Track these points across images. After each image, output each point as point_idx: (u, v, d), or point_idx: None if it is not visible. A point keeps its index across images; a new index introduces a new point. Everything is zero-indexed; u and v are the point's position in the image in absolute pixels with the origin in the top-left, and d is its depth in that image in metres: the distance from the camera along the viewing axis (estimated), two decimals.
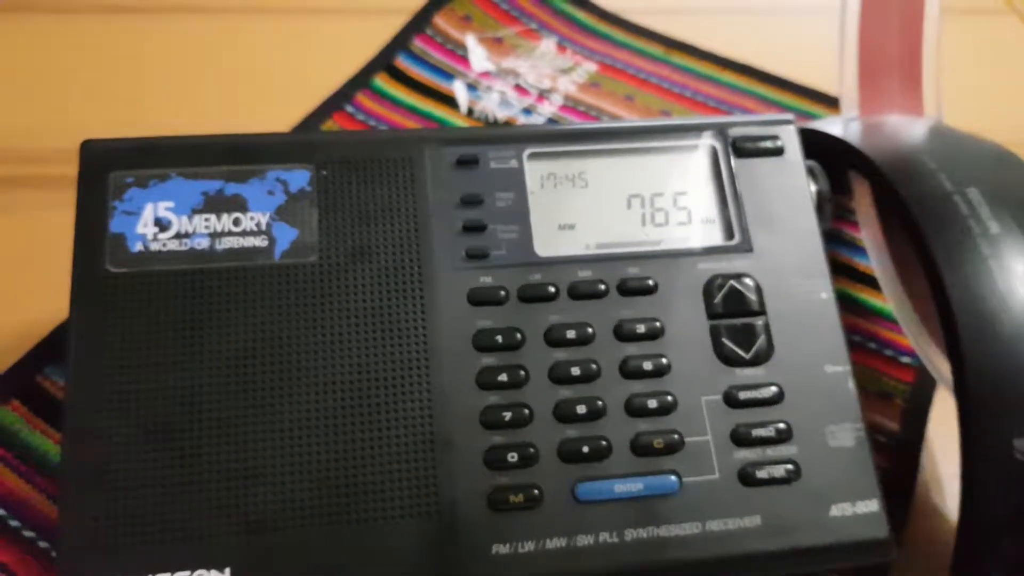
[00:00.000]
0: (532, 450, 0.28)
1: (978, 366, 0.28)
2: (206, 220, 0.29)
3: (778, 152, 0.33)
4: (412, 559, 0.27)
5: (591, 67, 0.49)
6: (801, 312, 0.31)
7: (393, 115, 0.45)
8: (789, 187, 0.33)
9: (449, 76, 0.47)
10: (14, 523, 0.31)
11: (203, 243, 0.29)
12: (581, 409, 0.29)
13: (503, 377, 0.29)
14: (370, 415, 0.28)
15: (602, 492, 0.28)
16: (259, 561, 0.26)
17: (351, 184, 0.31)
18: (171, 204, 0.29)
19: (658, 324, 0.30)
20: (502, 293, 0.30)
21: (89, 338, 0.28)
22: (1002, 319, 0.28)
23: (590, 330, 0.30)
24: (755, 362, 0.30)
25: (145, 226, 0.29)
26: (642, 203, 0.32)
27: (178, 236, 0.29)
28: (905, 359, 0.38)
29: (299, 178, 0.30)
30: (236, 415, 0.27)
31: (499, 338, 0.29)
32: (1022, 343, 0.28)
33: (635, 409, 0.29)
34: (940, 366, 0.34)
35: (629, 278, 0.31)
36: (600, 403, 0.29)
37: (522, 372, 0.29)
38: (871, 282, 0.40)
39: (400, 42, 0.49)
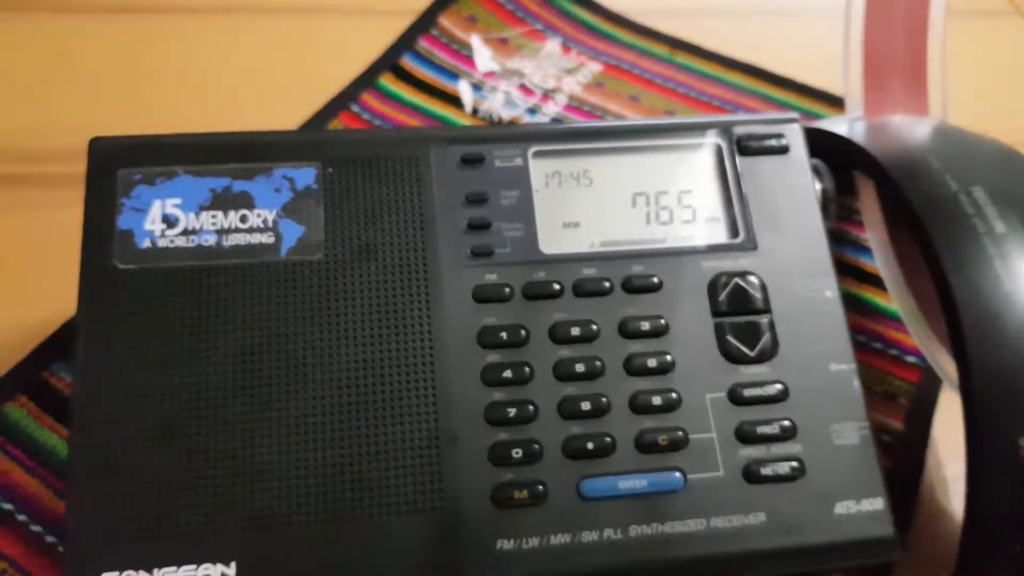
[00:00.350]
0: (537, 446, 0.28)
1: (983, 365, 0.28)
2: (213, 217, 0.29)
3: (783, 151, 0.33)
4: (417, 555, 0.27)
5: (596, 67, 0.49)
6: (806, 310, 0.31)
7: (399, 115, 0.46)
8: (794, 185, 0.33)
9: (454, 76, 0.47)
10: (21, 517, 0.31)
11: (210, 240, 0.29)
12: (586, 406, 0.29)
13: (508, 374, 0.29)
14: (375, 411, 0.28)
15: (607, 489, 0.28)
16: (265, 556, 0.26)
17: (357, 182, 0.31)
18: (178, 201, 0.29)
19: (663, 322, 0.30)
20: (507, 290, 0.30)
21: (97, 334, 0.28)
22: (1007, 318, 0.28)
23: (595, 327, 0.30)
24: (760, 360, 0.30)
25: (153, 223, 0.29)
26: (647, 201, 0.32)
27: (185, 233, 0.29)
28: (910, 359, 0.38)
29: (305, 176, 0.30)
30: (242, 411, 0.27)
31: (504, 335, 0.29)
32: None
33: (640, 406, 0.29)
34: (945, 366, 0.34)
35: (634, 276, 0.31)
36: (605, 400, 0.29)
37: (527, 369, 0.29)
38: (876, 282, 0.40)
39: (406, 42, 0.49)
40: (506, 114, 0.46)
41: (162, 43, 0.48)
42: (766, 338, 0.31)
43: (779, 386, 0.30)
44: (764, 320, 0.31)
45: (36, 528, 0.31)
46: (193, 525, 0.26)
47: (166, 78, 0.46)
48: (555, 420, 0.29)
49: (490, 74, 0.48)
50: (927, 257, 0.30)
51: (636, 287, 0.31)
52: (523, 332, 0.30)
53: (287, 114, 0.45)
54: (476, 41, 0.49)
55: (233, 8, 0.50)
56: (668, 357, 0.30)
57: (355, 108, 0.45)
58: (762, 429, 0.29)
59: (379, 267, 0.30)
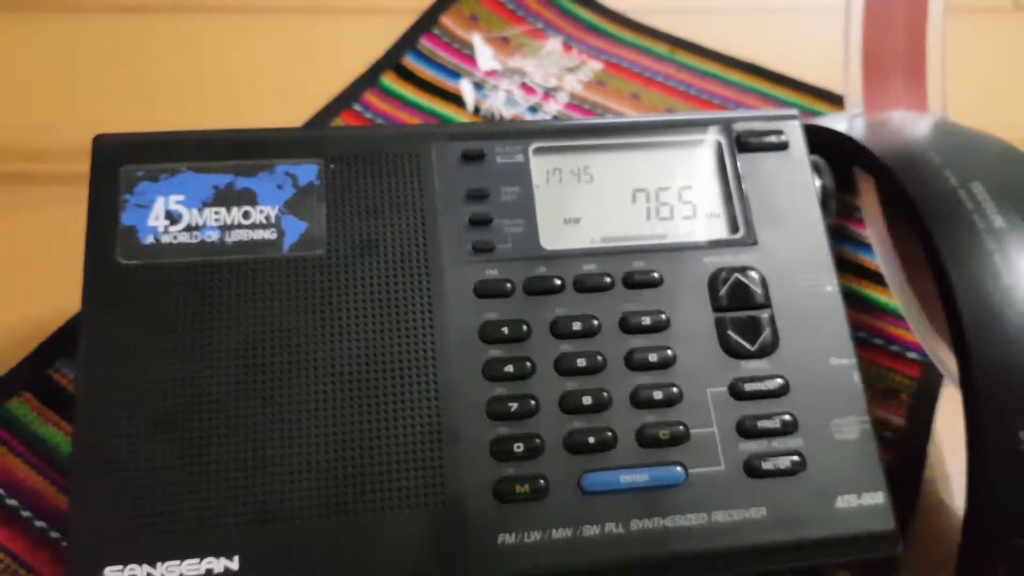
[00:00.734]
0: (538, 441, 0.28)
1: (984, 359, 0.28)
2: (216, 213, 0.30)
3: (782, 147, 0.34)
4: (419, 549, 0.27)
5: (597, 66, 0.49)
6: (806, 305, 0.31)
7: (400, 113, 0.46)
8: (793, 181, 0.33)
9: (456, 75, 0.48)
10: (26, 513, 0.31)
11: (213, 236, 0.29)
12: (587, 400, 0.29)
13: (509, 369, 0.29)
14: (377, 406, 0.28)
15: (608, 483, 0.28)
16: (268, 550, 0.26)
17: (359, 178, 0.31)
18: (182, 197, 0.30)
19: (663, 317, 0.30)
20: (508, 286, 0.30)
21: (100, 329, 0.28)
22: (1007, 312, 0.28)
23: (596, 322, 0.30)
24: (760, 354, 0.30)
25: (156, 219, 0.29)
26: (647, 197, 0.33)
27: (188, 229, 0.29)
28: (911, 355, 0.38)
29: (307, 172, 0.31)
30: (245, 406, 0.28)
31: (505, 330, 0.30)
32: None
33: (641, 401, 0.29)
34: (946, 361, 0.34)
35: (634, 271, 0.31)
36: (606, 395, 0.29)
37: (528, 364, 0.29)
38: (877, 278, 0.40)
39: (407, 41, 0.49)
40: (508, 112, 0.46)
41: (164, 42, 0.48)
42: (766, 333, 0.31)
43: (780, 381, 0.30)
44: (764, 315, 0.31)
45: (40, 523, 0.31)
46: (196, 519, 0.26)
47: (169, 77, 0.46)
48: (556, 415, 0.29)
49: (492, 73, 0.48)
50: (927, 252, 0.30)
51: (637, 282, 0.31)
52: (524, 327, 0.30)
53: (290, 113, 0.45)
54: (477, 40, 0.49)
55: (236, 7, 0.50)
56: (669, 352, 0.30)
57: (357, 107, 0.46)
58: (763, 424, 0.29)
59: (381, 263, 0.30)
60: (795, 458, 0.29)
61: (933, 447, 0.36)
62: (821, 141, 0.36)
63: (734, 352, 0.30)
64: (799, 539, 0.28)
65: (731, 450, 0.29)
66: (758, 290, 0.31)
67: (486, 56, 0.49)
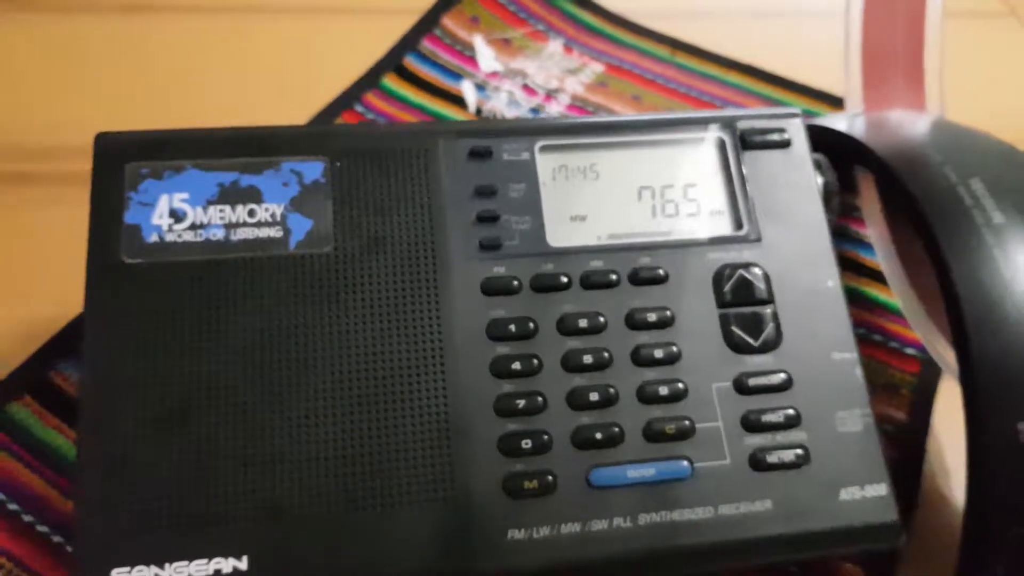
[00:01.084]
0: (546, 437, 0.29)
1: (983, 352, 0.28)
2: (221, 211, 0.30)
3: (785, 144, 0.34)
4: (429, 544, 0.27)
5: (598, 68, 0.49)
6: (809, 301, 0.32)
7: (402, 114, 0.46)
8: (796, 179, 0.33)
9: (457, 76, 0.48)
10: (28, 518, 0.31)
11: (218, 234, 0.29)
12: (594, 396, 0.29)
13: (517, 365, 0.29)
14: (385, 403, 0.28)
15: (615, 478, 0.28)
16: (277, 548, 0.26)
17: (365, 175, 0.31)
18: (186, 195, 0.30)
19: (669, 313, 0.31)
20: (515, 283, 0.30)
21: (104, 328, 0.28)
22: (1006, 306, 0.29)
23: (602, 319, 0.30)
24: (764, 350, 0.31)
25: (160, 217, 0.29)
26: (652, 195, 0.33)
27: (193, 227, 0.29)
28: (911, 351, 0.39)
29: (313, 169, 0.31)
30: (252, 404, 0.27)
31: (512, 327, 0.30)
32: None
33: (647, 396, 0.30)
34: (945, 355, 0.34)
35: (640, 268, 0.31)
36: (612, 391, 0.29)
37: (535, 360, 0.29)
38: (877, 277, 0.40)
39: (409, 43, 0.49)
40: (509, 114, 0.46)
41: (166, 42, 0.48)
42: (770, 328, 0.31)
43: (783, 375, 0.30)
44: (768, 311, 0.31)
45: (42, 528, 0.31)
46: (204, 519, 0.26)
47: (170, 77, 0.46)
48: (564, 411, 0.29)
49: (493, 74, 0.48)
50: (927, 248, 0.31)
51: (642, 279, 0.31)
52: (531, 324, 0.30)
53: (291, 113, 0.45)
54: (479, 41, 0.50)
55: (238, 7, 0.50)
56: (674, 348, 0.30)
57: (359, 108, 0.46)
58: (767, 417, 0.30)
59: (388, 260, 0.30)
60: (799, 451, 0.29)
61: (933, 441, 0.36)
62: (822, 140, 0.36)
63: (738, 347, 0.31)
64: (804, 531, 0.29)
65: (736, 444, 0.29)
66: (761, 286, 0.32)
67: (487, 57, 0.49)
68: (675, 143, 0.34)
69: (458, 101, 0.47)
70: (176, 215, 0.29)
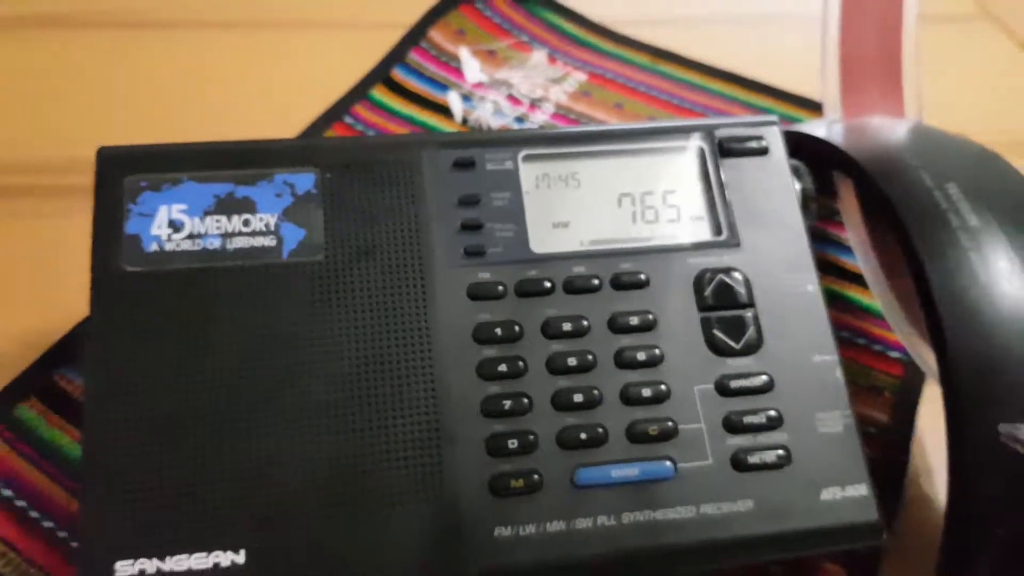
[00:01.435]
0: (532, 437, 0.29)
1: (961, 353, 0.29)
2: (217, 221, 0.30)
3: (763, 152, 0.34)
4: (418, 542, 0.27)
5: (581, 77, 0.50)
6: (789, 304, 0.32)
7: (390, 125, 0.47)
8: (775, 185, 0.34)
9: (444, 87, 0.49)
10: (34, 514, 0.32)
11: (215, 243, 0.30)
12: (578, 398, 0.30)
13: (503, 368, 0.30)
14: (376, 406, 0.29)
15: (600, 477, 0.29)
16: (272, 545, 0.27)
17: (354, 186, 0.32)
18: (184, 206, 0.30)
19: (651, 316, 0.31)
20: (500, 288, 0.31)
21: (106, 334, 0.28)
22: (983, 307, 0.29)
23: (585, 323, 0.31)
24: (745, 352, 0.31)
25: (159, 227, 0.30)
26: (633, 201, 0.33)
27: (191, 236, 0.30)
28: (893, 354, 0.39)
29: (305, 181, 0.31)
30: (247, 406, 0.28)
31: (498, 331, 0.30)
32: (1003, 330, 0.29)
33: (630, 398, 0.30)
34: (926, 357, 0.35)
35: (622, 273, 0.32)
36: (596, 392, 0.30)
37: (521, 363, 0.30)
38: (858, 280, 0.41)
39: (396, 55, 0.50)
40: (495, 123, 0.47)
41: (160, 57, 0.49)
42: (751, 331, 0.32)
43: (764, 377, 0.31)
44: (748, 314, 0.32)
45: (48, 524, 0.32)
46: (202, 515, 0.27)
47: (162, 91, 0.47)
48: (549, 412, 0.30)
49: (479, 85, 0.49)
50: (905, 251, 0.31)
51: (624, 284, 0.32)
52: (516, 328, 0.31)
53: (283, 126, 0.46)
54: (465, 53, 0.50)
55: (230, 23, 0.51)
56: (657, 351, 0.31)
57: (348, 120, 0.46)
58: (749, 419, 0.30)
59: (377, 268, 0.31)
60: (780, 452, 0.30)
61: (916, 443, 0.37)
62: (801, 146, 0.37)
63: (720, 350, 0.31)
64: (786, 530, 0.29)
65: (718, 445, 0.30)
66: (742, 290, 0.32)
67: (473, 69, 0.50)
68: (655, 151, 0.34)
69: (444, 111, 0.47)
70: (175, 225, 0.30)
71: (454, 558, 0.28)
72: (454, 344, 0.30)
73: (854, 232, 0.39)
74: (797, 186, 0.35)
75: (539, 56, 0.51)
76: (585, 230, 0.33)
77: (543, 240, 0.32)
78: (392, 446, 0.28)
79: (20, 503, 0.32)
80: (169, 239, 0.30)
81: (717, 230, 0.33)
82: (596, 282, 0.32)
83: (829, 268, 0.42)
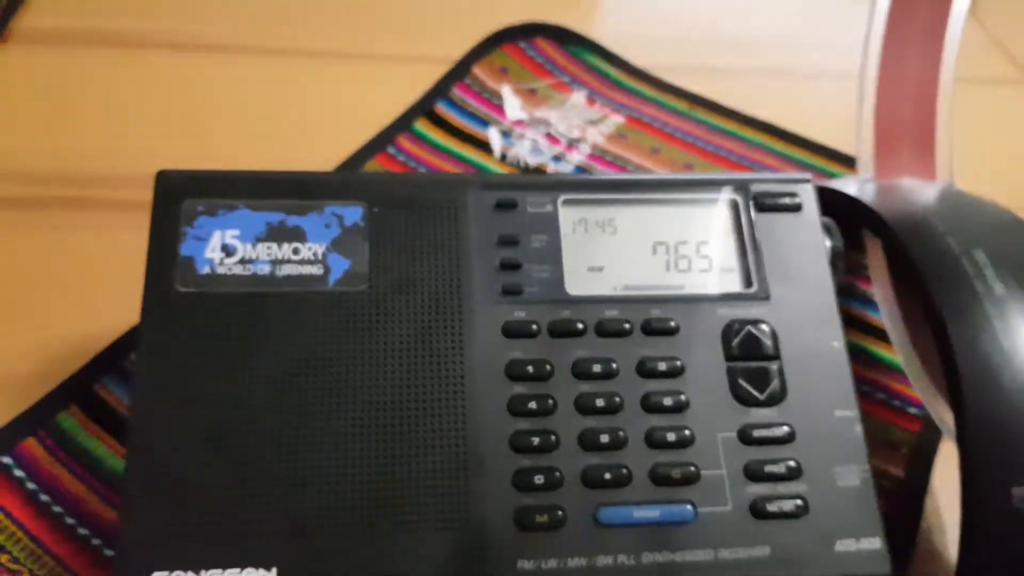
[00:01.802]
0: (557, 474, 0.30)
1: (979, 416, 0.29)
2: (268, 248, 0.32)
3: (796, 208, 0.35)
4: (443, 568, 0.28)
5: (619, 119, 0.51)
6: (814, 359, 0.33)
7: (432, 158, 0.48)
8: (805, 242, 0.35)
9: (485, 123, 0.50)
10: (70, 520, 0.33)
11: (265, 269, 0.31)
12: (604, 438, 0.31)
13: (532, 405, 0.31)
14: (409, 433, 0.30)
15: (622, 517, 0.30)
16: (303, 563, 0.28)
17: (400, 221, 0.33)
18: (237, 232, 0.32)
19: (678, 363, 0.32)
20: (534, 327, 0.32)
21: (156, 351, 0.30)
22: (1004, 373, 0.29)
23: (614, 365, 0.32)
24: (769, 403, 0.32)
25: (213, 251, 0.31)
26: (667, 250, 0.34)
27: (242, 261, 0.31)
28: (912, 410, 0.40)
29: (353, 214, 0.33)
30: (287, 427, 0.29)
31: (530, 368, 0.31)
32: (1021, 397, 0.29)
33: (655, 441, 0.31)
34: (944, 416, 0.35)
35: (653, 319, 0.33)
36: (622, 434, 0.31)
37: (550, 401, 0.31)
38: (882, 335, 0.41)
39: (440, 90, 0.51)
40: (532, 161, 0.48)
41: (213, 81, 0.50)
42: (775, 383, 0.32)
43: (786, 428, 0.31)
44: (774, 366, 0.33)
45: (83, 531, 0.33)
46: (238, 531, 0.28)
47: (214, 114, 0.48)
48: (575, 450, 0.30)
49: (519, 122, 0.50)
50: (929, 314, 0.31)
51: (654, 329, 0.32)
52: (548, 367, 0.31)
53: (328, 154, 0.47)
54: (507, 91, 0.52)
55: (281, 50, 0.52)
56: (683, 397, 0.32)
57: (391, 150, 0.48)
58: (769, 468, 0.31)
59: (417, 300, 0.32)
60: (798, 502, 0.30)
61: (930, 499, 0.37)
62: (833, 202, 0.37)
63: (744, 400, 0.32)
64: None
65: (738, 491, 0.30)
66: (768, 342, 0.33)
67: (514, 106, 0.51)
68: (691, 202, 0.35)
69: (484, 147, 0.49)
70: (227, 250, 0.31)
71: None
72: (487, 379, 0.31)
73: (880, 289, 0.39)
74: (827, 243, 0.35)
75: (578, 97, 0.52)
76: (619, 275, 0.34)
77: (578, 282, 0.33)
78: (422, 473, 0.29)
79: (57, 509, 0.33)
80: (221, 263, 0.31)
81: (748, 282, 0.34)
82: (627, 326, 0.32)
83: (854, 322, 0.43)
